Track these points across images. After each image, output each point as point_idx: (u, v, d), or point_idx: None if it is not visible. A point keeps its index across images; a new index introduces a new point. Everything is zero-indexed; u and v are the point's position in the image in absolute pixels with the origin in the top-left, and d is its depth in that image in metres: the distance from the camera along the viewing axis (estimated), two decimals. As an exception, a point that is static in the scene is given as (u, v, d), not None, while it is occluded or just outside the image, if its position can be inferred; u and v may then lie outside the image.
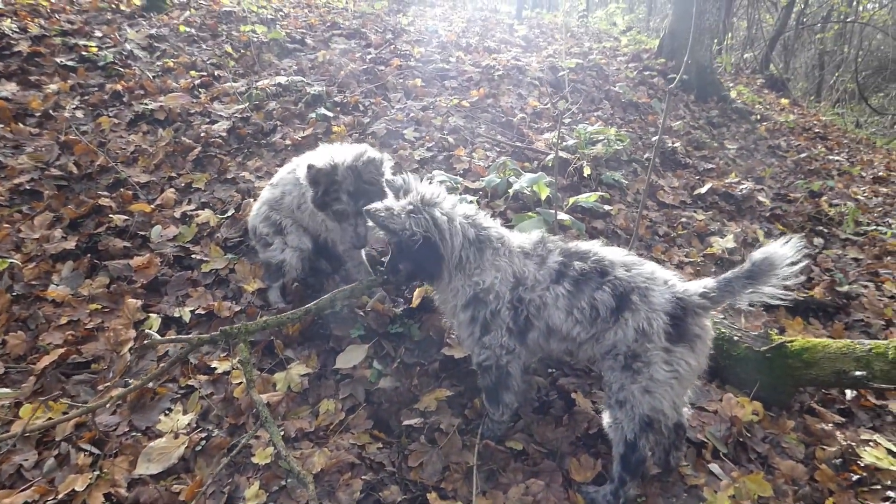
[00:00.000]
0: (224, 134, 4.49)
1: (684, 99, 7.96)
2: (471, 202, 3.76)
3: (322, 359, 2.83)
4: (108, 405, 2.28)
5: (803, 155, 7.38)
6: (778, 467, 2.46)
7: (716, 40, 11.39)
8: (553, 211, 3.61)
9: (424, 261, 2.20)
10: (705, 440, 2.55)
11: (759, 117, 8.54)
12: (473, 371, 2.76)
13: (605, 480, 2.28)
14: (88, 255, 3.24)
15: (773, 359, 2.73)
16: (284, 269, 3.10)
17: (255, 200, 3.62)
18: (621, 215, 4.36)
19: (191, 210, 3.71)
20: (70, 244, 3.25)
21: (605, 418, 2.19)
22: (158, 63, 5.43)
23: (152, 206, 3.64)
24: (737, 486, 2.27)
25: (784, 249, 1.91)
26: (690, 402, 2.43)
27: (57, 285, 3.03)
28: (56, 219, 3.45)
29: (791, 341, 2.75)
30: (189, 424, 2.39)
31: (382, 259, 3.16)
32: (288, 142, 4.53)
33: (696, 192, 5.16)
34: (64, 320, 2.83)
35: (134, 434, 2.34)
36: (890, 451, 2.53)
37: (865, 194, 6.48)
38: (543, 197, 4.01)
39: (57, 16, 5.71)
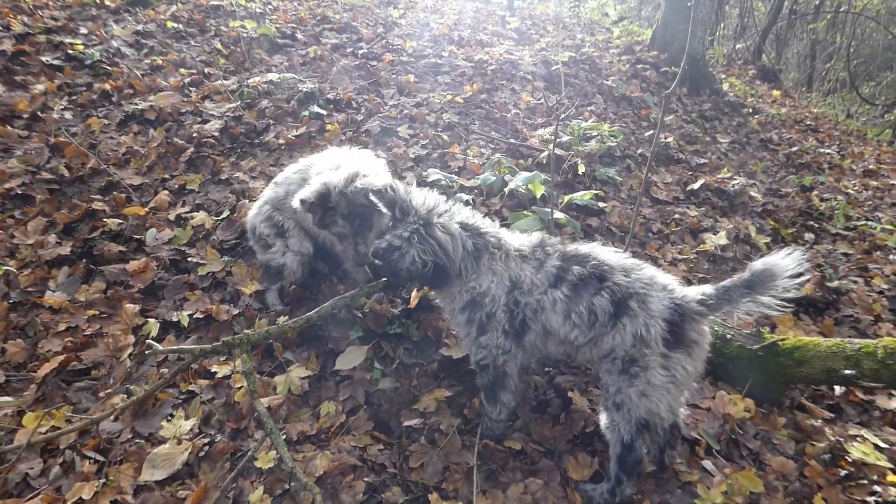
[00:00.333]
0: (216, 133, 4.46)
1: (677, 92, 7.96)
2: (466, 201, 3.79)
3: (321, 360, 2.85)
4: (112, 417, 2.29)
5: (795, 148, 7.44)
6: (769, 463, 2.53)
7: (708, 31, 11.39)
8: (549, 209, 3.64)
9: (431, 279, 2.24)
10: (699, 437, 2.60)
11: (751, 110, 8.59)
12: (472, 371, 2.80)
13: (602, 478, 2.33)
14: (84, 260, 3.23)
15: (765, 357, 2.79)
16: (284, 273, 3.11)
17: (249, 202, 3.62)
18: (615, 212, 4.39)
19: (185, 212, 3.70)
20: (65, 249, 3.24)
21: (603, 419, 2.24)
22: (147, 61, 5.36)
23: (146, 209, 3.63)
24: (729, 483, 2.33)
25: (786, 261, 1.93)
26: (686, 402, 2.48)
27: (53, 291, 3.03)
28: (49, 224, 3.42)
29: (783, 339, 2.81)
30: (191, 430, 2.41)
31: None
32: (282, 141, 4.51)
33: (689, 188, 5.21)
34: (62, 327, 2.83)
35: (137, 441, 2.36)
36: (877, 447, 2.61)
37: (856, 188, 6.56)
38: (539, 195, 4.03)
39: (40, 12, 5.60)
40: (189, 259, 3.36)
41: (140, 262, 3.21)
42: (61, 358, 2.63)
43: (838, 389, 3.05)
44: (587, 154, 4.96)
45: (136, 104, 4.59)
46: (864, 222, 5.32)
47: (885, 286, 4.18)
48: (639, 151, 5.56)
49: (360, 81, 5.68)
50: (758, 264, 1.98)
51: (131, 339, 2.80)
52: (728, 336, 2.92)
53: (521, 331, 2.26)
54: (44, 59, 4.88)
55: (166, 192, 3.84)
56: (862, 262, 4.56)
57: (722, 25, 15.06)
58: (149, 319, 2.92)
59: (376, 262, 2.25)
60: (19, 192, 3.58)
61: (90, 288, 3.07)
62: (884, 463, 2.51)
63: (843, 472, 2.51)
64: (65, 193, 3.72)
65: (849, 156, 8.14)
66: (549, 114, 5.95)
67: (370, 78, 5.76)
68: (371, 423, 2.55)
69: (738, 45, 14.93)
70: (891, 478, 2.47)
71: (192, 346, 2.32)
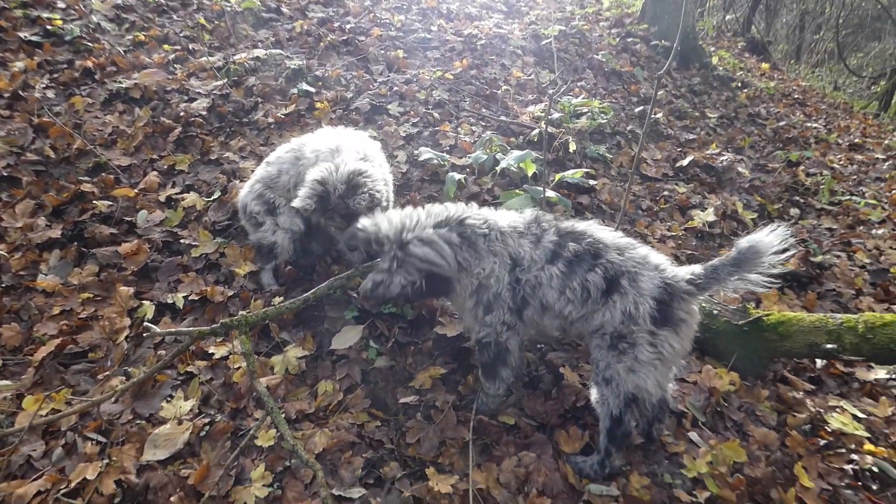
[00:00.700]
0: (204, 112, 4.39)
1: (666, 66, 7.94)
2: (458, 180, 3.80)
3: (318, 340, 2.88)
4: (113, 399, 2.32)
5: (782, 123, 7.49)
6: (752, 434, 2.63)
7: (698, 2, 11.28)
8: (541, 188, 3.66)
9: (431, 289, 2.28)
10: (685, 410, 2.70)
11: (739, 84, 8.59)
12: (465, 349, 2.86)
13: (592, 451, 2.42)
14: (75, 242, 3.21)
15: (750, 332, 2.87)
16: (277, 252, 3.11)
17: (240, 182, 3.60)
18: (606, 190, 4.43)
19: (176, 193, 3.67)
20: (55, 232, 3.21)
21: (593, 394, 2.31)
22: (129, 36, 5.21)
23: (136, 191, 3.59)
24: (714, 453, 2.43)
25: (770, 238, 1.97)
26: (675, 377, 2.56)
27: (46, 275, 3.01)
28: (38, 206, 3.38)
29: (767, 315, 2.90)
30: (191, 410, 2.45)
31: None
32: (271, 119, 4.45)
33: (677, 165, 5.24)
34: (57, 310, 2.83)
35: (138, 421, 2.40)
36: (855, 417, 2.72)
37: (841, 162, 6.65)
38: (530, 173, 4.05)
39: (15, -16, 5.39)
40: (181, 241, 3.35)
41: (132, 244, 3.20)
42: (58, 341, 2.64)
43: (819, 362, 3.16)
44: (578, 131, 4.97)
45: (120, 82, 4.48)
46: (848, 197, 5.42)
47: (867, 261, 4.29)
48: (629, 128, 5.57)
49: (349, 57, 5.58)
50: (744, 242, 2.02)
51: (127, 321, 2.81)
52: (714, 312, 3.00)
53: (522, 306, 2.29)
54: (22, 35, 4.72)
55: (155, 172, 3.80)
56: (845, 236, 4.66)
57: (713, -4, 14.91)
58: (143, 302, 2.93)
59: (368, 301, 2.29)
60: (5, 174, 3.52)
61: (83, 271, 3.06)
62: (861, 432, 2.63)
63: (822, 442, 2.62)
64: (51, 175, 3.67)
65: (835, 129, 8.21)
66: (540, 90, 5.91)
67: (358, 54, 5.66)
68: (368, 400, 2.61)
69: (727, 17, 14.81)
70: (868, 447, 2.58)
71: (190, 328, 2.34)
